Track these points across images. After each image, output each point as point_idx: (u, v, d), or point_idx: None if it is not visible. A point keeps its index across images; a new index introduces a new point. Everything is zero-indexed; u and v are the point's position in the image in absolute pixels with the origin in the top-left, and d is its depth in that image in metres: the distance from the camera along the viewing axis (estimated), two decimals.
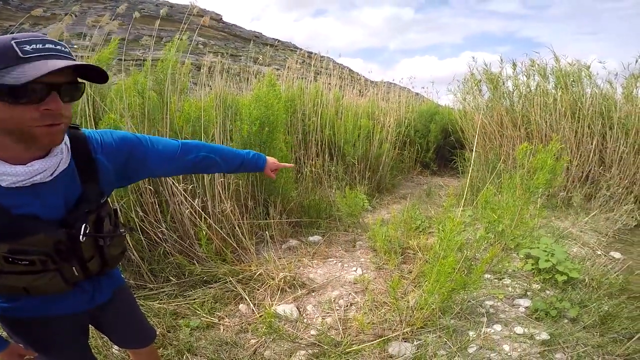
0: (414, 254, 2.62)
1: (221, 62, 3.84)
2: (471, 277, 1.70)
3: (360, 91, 5.79)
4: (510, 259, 2.49)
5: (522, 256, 2.46)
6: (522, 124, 3.95)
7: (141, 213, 2.18)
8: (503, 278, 2.34)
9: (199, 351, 1.73)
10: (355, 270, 2.51)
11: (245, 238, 2.49)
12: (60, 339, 1.03)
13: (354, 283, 2.35)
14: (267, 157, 1.30)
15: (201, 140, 2.42)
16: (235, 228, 2.50)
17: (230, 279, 2.22)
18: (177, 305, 2.04)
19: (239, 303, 2.10)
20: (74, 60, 0.72)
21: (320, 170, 3.67)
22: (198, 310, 1.99)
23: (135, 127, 2.28)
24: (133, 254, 2.14)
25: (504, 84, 4.29)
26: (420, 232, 2.98)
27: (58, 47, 0.70)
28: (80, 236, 0.83)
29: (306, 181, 3.34)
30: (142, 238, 2.20)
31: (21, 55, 0.66)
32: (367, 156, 4.27)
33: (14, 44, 0.66)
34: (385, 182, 4.60)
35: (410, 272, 2.39)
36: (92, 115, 2.19)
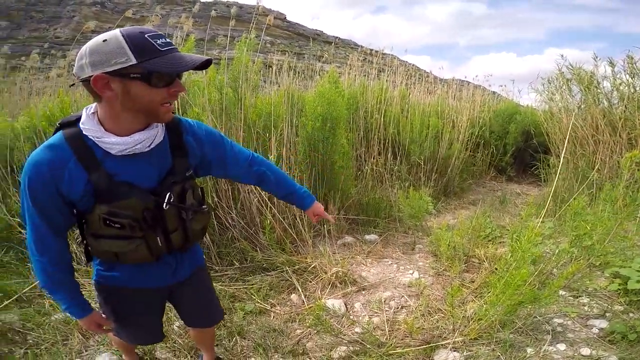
0: (479, 263, 2.48)
1: (288, 60, 4.03)
2: (544, 291, 1.57)
3: (428, 89, 5.58)
4: (593, 276, 2.23)
5: (608, 274, 2.18)
6: (623, 129, 3.44)
7: (216, 199, 2.42)
8: (580, 296, 2.11)
9: (248, 335, 1.84)
10: (412, 274, 2.47)
11: (304, 230, 2.61)
12: (141, 311, 1.17)
13: (409, 286, 2.31)
14: (316, 201, 1.34)
15: (270, 134, 2.60)
16: (296, 219, 2.63)
17: (287, 268, 2.33)
18: (236, 288, 2.19)
19: (291, 293, 2.19)
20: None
21: (382, 169, 3.65)
22: (254, 295, 2.12)
23: (214, 120, 2.53)
24: (205, 236, 2.37)
25: (599, 83, 3.76)
26: (489, 241, 2.80)
27: (170, 40, 0.86)
28: (164, 204, 0.94)
29: (366, 179, 3.36)
30: (215, 222, 2.43)
31: (159, 48, 0.81)
32: (435, 157, 4.12)
33: (149, 38, 0.81)
34: (454, 185, 4.39)
35: (473, 282, 2.27)
36: (178, 108, 2.47)
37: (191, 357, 1.69)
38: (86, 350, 1.76)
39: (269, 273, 2.33)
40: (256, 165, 1.20)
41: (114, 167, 0.90)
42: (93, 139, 0.86)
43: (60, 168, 0.86)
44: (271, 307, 2.07)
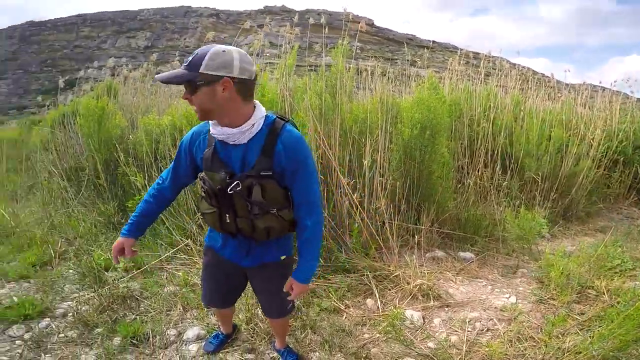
0: (597, 295, 2.12)
1: (379, 65, 4.03)
2: None
3: (549, 95, 4.90)
4: None
5: None
6: None
7: None
8: None
9: (319, 331, 1.94)
10: (508, 297, 2.27)
11: (391, 238, 2.60)
12: (219, 276, 1.45)
13: (501, 310, 2.14)
14: (304, 284, 1.32)
15: (365, 139, 2.67)
16: (384, 226, 2.64)
17: (368, 273, 2.36)
18: (317, 285, 2.29)
19: (367, 297, 2.22)
20: (187, 66, 1.10)
21: (488, 184, 3.37)
22: (331, 294, 2.21)
23: (315, 125, 2.72)
24: None
25: None
26: (615, 273, 2.35)
27: (187, 59, 1.11)
28: (229, 188, 1.17)
29: (468, 193, 3.14)
30: None
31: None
32: (556, 174, 3.63)
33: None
34: (577, 208, 3.77)
35: (582, 314, 1.98)
36: (288, 111, 2.72)
37: (266, 341, 1.87)
38: (182, 322, 2.06)
39: (350, 275, 2.39)
40: (306, 215, 1.25)
41: (220, 147, 1.21)
42: (210, 124, 1.20)
43: (197, 137, 1.26)
44: (345, 308, 2.13)
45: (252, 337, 1.91)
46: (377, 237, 2.63)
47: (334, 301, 2.17)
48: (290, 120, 1.26)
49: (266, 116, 1.22)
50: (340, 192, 2.64)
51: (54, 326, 1.98)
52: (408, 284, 2.27)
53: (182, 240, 2.81)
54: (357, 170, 2.70)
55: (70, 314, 2.08)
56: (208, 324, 2.03)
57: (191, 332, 1.95)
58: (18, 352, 1.78)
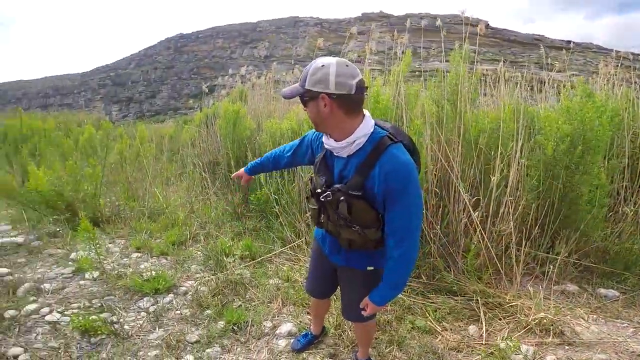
0: None
1: (504, 69, 3.49)
2: None
3: None
4: None
5: None
6: None
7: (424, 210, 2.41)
8: None
9: (406, 349, 1.82)
10: None
11: (515, 265, 2.23)
12: (317, 265, 1.53)
13: (638, 355, 1.72)
14: (374, 303, 1.27)
15: (495, 152, 2.33)
16: (508, 251, 2.28)
17: (477, 298, 2.12)
18: (414, 301, 2.16)
19: (470, 324, 2.01)
20: (300, 81, 1.14)
21: None
22: (429, 314, 2.05)
23: (431, 133, 2.52)
24: None
25: None
26: None
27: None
28: (320, 196, 1.20)
29: (624, 223, 2.49)
30: None
31: None
32: None
33: None
34: None
35: None
36: (404, 120, 2.60)
37: (349, 349, 1.82)
38: (278, 316, 2.12)
39: (454, 297, 2.19)
40: (394, 245, 1.16)
41: (330, 154, 1.24)
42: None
43: (318, 137, 1.34)
44: (442, 330, 1.96)
45: (336, 342, 1.89)
46: (496, 262, 2.29)
47: (430, 321, 2.01)
48: (402, 141, 1.14)
49: (374, 132, 1.14)
50: (458, 208, 2.39)
51: (174, 302, 2.23)
52: (526, 315, 1.97)
53: (291, 236, 2.95)
54: (481, 186, 2.38)
55: (190, 293, 2.32)
56: (301, 321, 2.06)
57: (284, 327, 1.99)
58: (139, 323, 2.03)
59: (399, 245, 1.14)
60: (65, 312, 2.07)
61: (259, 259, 2.72)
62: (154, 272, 2.44)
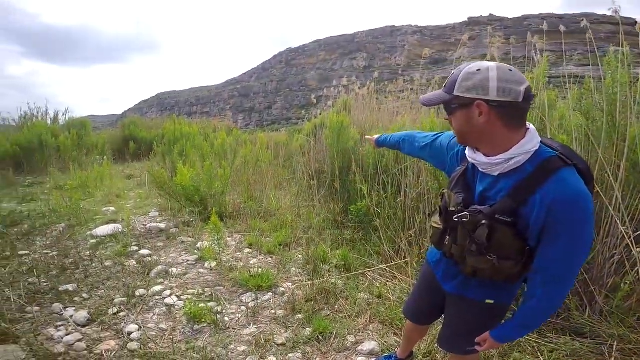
0: None
1: None
2: None
3: None
4: None
5: None
6: None
7: None
8: None
9: None
10: None
11: None
12: (426, 287, 1.34)
13: None
14: (493, 336, 1.07)
15: None
16: None
17: (614, 343, 1.73)
18: (527, 338, 1.81)
19: None
20: (444, 88, 0.98)
21: None
22: (542, 354, 1.72)
23: (580, 151, 2.01)
24: None
25: None
26: None
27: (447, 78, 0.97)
28: (455, 216, 1.02)
29: None
30: None
31: None
32: None
33: None
34: None
35: None
36: (542, 129, 2.17)
37: None
38: (363, 332, 1.97)
39: (580, 339, 1.82)
40: (541, 284, 0.94)
41: (472, 169, 1.07)
42: None
43: (455, 146, 1.16)
44: None
45: None
46: None
47: None
48: (577, 164, 0.90)
49: (540, 150, 0.92)
50: (610, 243, 1.91)
51: (271, 302, 2.25)
52: None
53: (389, 252, 2.73)
54: None
55: (287, 295, 2.32)
56: (386, 342, 1.88)
57: (367, 345, 1.84)
58: (238, 316, 2.09)
59: (549, 286, 0.93)
60: (182, 297, 2.27)
61: (357, 272, 2.59)
62: (260, 269, 2.55)
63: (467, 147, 1.04)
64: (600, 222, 1.96)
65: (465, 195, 1.04)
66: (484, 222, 0.94)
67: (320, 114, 5.43)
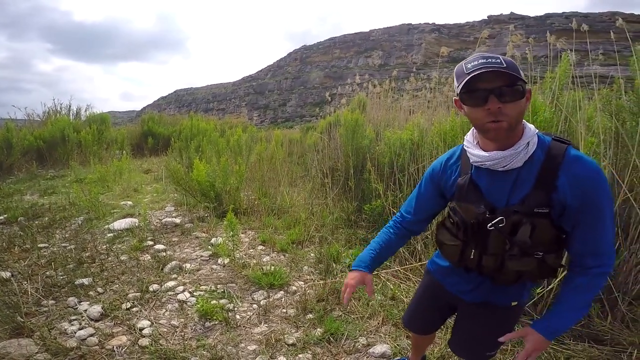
0: None
1: None
2: None
3: None
4: None
5: None
6: None
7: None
8: None
9: None
10: None
11: None
12: (427, 298, 1.28)
13: None
14: (539, 331, 0.95)
15: None
16: None
17: (634, 351, 1.64)
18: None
19: None
20: (502, 69, 0.81)
21: None
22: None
23: (612, 155, 1.86)
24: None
25: None
26: None
27: (489, 60, 0.83)
28: (490, 224, 0.92)
29: None
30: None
31: (465, 71, 0.85)
32: None
33: (464, 64, 0.87)
34: None
35: None
36: (564, 132, 2.05)
37: None
38: (374, 334, 1.90)
39: (599, 346, 1.74)
40: (591, 265, 0.90)
41: (477, 175, 0.98)
42: (466, 149, 0.99)
43: (448, 167, 1.07)
44: None
45: None
46: None
47: None
48: (571, 143, 0.92)
49: (537, 136, 0.93)
50: (637, 249, 1.84)
51: (283, 300, 2.19)
52: None
53: (403, 252, 2.64)
54: None
55: (299, 294, 2.25)
56: (398, 345, 1.80)
57: (379, 348, 1.76)
58: (249, 314, 2.03)
59: (597, 264, 0.90)
60: (194, 293, 2.23)
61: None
62: (272, 267, 2.49)
63: (473, 152, 0.95)
64: (628, 228, 1.86)
65: (485, 203, 0.96)
66: (524, 220, 0.90)
67: (335, 112, 5.33)
